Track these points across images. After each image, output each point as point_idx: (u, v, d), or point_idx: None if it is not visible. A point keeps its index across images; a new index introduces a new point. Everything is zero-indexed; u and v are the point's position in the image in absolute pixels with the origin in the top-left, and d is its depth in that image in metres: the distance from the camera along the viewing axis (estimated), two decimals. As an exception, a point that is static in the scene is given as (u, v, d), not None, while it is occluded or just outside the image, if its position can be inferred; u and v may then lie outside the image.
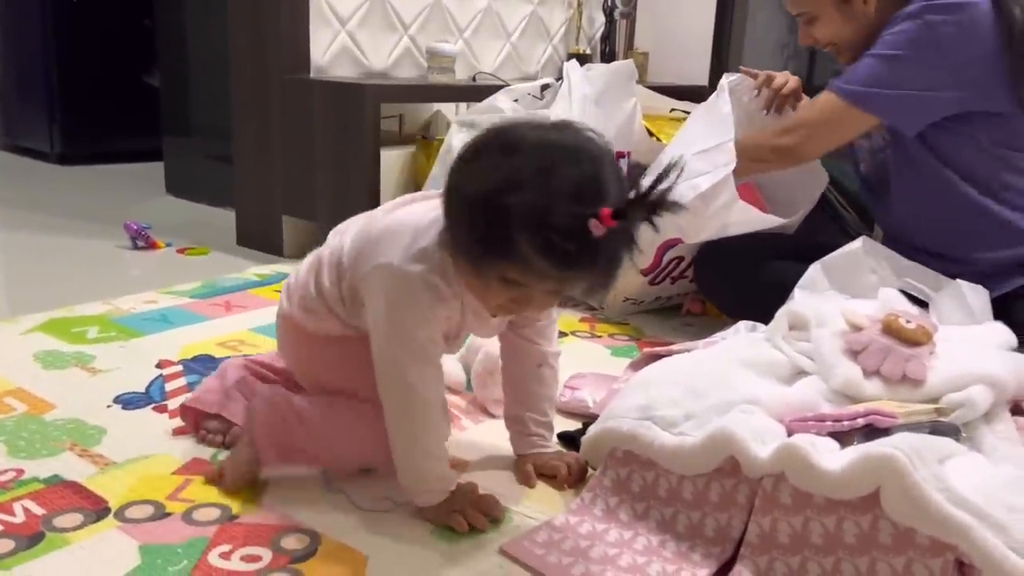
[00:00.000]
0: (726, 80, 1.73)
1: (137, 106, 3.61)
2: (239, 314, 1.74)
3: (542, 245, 0.80)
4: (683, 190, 1.62)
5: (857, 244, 1.44)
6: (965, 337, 1.19)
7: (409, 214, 0.97)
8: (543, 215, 0.79)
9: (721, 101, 1.66)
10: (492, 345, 1.21)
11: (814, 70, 3.57)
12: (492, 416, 1.28)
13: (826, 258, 1.42)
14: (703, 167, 1.62)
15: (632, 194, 0.80)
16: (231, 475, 1.03)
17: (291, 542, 0.93)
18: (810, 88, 1.79)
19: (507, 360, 1.12)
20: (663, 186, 0.80)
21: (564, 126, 0.86)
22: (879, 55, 1.43)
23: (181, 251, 2.28)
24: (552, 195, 0.79)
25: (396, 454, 0.98)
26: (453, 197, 0.87)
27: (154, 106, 3.17)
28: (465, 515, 0.97)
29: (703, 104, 1.75)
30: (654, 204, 0.80)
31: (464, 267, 0.89)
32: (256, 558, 0.90)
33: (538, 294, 0.89)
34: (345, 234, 1.04)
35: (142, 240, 2.28)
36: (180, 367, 1.43)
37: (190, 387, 1.34)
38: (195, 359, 1.47)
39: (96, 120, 3.67)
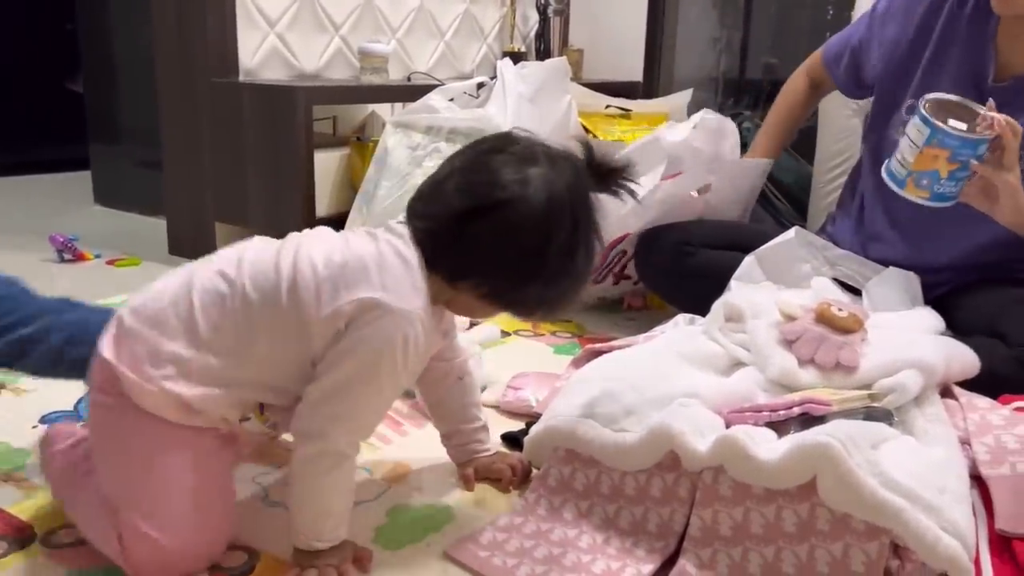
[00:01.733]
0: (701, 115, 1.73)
1: (61, 113, 3.48)
2: (172, 325, 1.69)
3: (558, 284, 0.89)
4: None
5: (790, 234, 1.46)
6: (896, 323, 1.22)
7: (359, 245, 0.88)
8: (571, 260, 0.88)
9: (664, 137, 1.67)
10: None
11: (746, 65, 3.63)
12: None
13: (760, 249, 1.43)
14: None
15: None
16: None
17: (228, 559, 0.91)
18: (744, 82, 1.79)
19: (430, 384, 1.07)
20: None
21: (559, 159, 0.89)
22: None
23: (111, 262, 2.21)
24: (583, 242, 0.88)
25: (297, 500, 0.87)
26: (495, 216, 0.85)
27: (79, 113, 3.06)
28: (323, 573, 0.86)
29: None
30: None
31: (461, 289, 0.90)
32: None
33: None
34: (240, 263, 0.88)
35: (69, 252, 2.20)
36: (110, 383, 1.38)
37: (121, 403, 1.30)
38: (126, 374, 1.42)
39: (17, 128, 3.53)
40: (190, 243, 2.24)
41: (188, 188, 2.22)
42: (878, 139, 1.47)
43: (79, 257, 2.21)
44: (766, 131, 1.75)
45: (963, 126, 1.19)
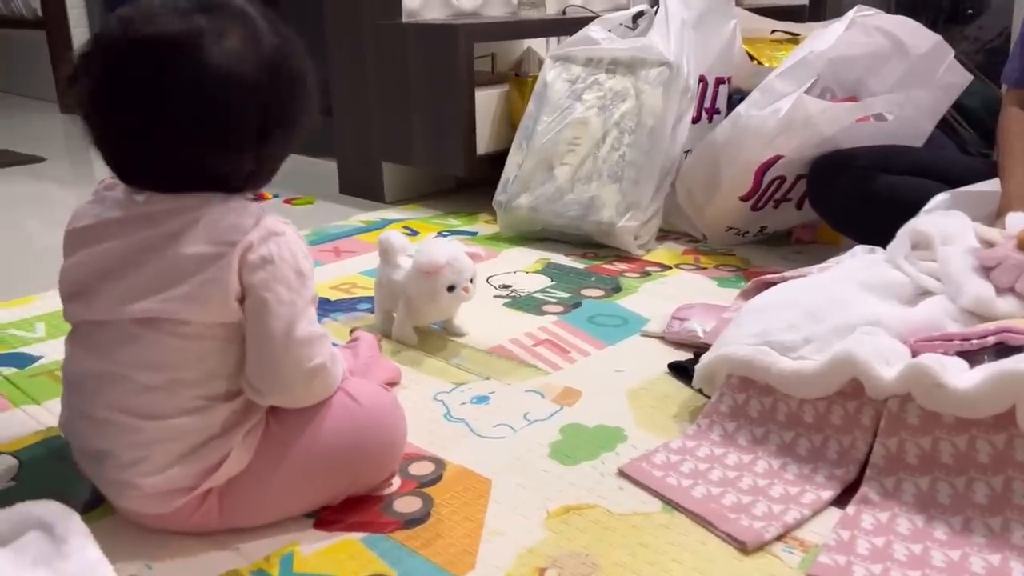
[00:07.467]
0: (854, 13, 1.65)
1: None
2: (348, 259, 1.79)
3: None
4: (765, 116, 1.58)
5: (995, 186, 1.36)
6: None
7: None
8: None
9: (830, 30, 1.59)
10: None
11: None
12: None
13: (959, 189, 1.34)
14: (784, 88, 1.59)
15: None
16: None
17: (419, 468, 0.97)
18: (920, 1, 1.67)
19: None
20: None
21: None
22: None
23: (288, 201, 2.35)
24: None
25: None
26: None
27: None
28: None
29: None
30: None
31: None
32: (387, 483, 0.94)
33: None
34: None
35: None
36: (298, 309, 1.49)
37: (309, 327, 1.40)
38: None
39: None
40: (359, 183, 2.35)
41: (356, 130, 2.32)
42: None
43: (260, 197, 2.37)
44: (1016, 175, 1.36)
45: None
